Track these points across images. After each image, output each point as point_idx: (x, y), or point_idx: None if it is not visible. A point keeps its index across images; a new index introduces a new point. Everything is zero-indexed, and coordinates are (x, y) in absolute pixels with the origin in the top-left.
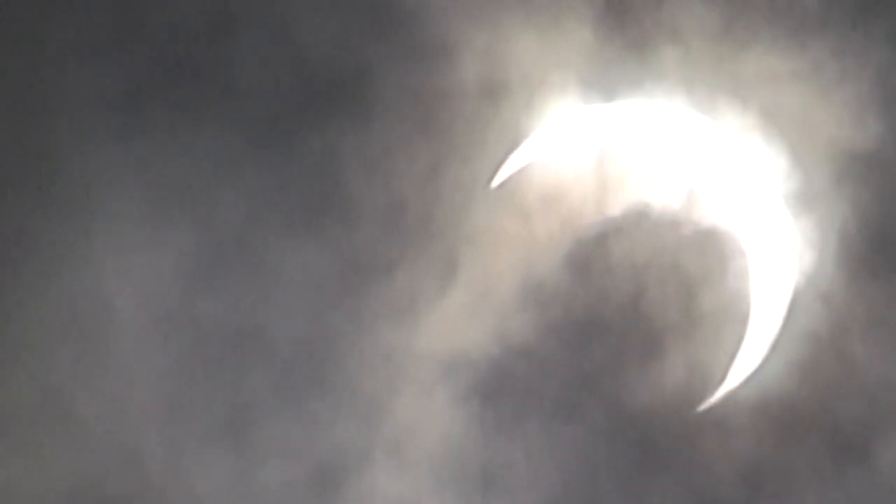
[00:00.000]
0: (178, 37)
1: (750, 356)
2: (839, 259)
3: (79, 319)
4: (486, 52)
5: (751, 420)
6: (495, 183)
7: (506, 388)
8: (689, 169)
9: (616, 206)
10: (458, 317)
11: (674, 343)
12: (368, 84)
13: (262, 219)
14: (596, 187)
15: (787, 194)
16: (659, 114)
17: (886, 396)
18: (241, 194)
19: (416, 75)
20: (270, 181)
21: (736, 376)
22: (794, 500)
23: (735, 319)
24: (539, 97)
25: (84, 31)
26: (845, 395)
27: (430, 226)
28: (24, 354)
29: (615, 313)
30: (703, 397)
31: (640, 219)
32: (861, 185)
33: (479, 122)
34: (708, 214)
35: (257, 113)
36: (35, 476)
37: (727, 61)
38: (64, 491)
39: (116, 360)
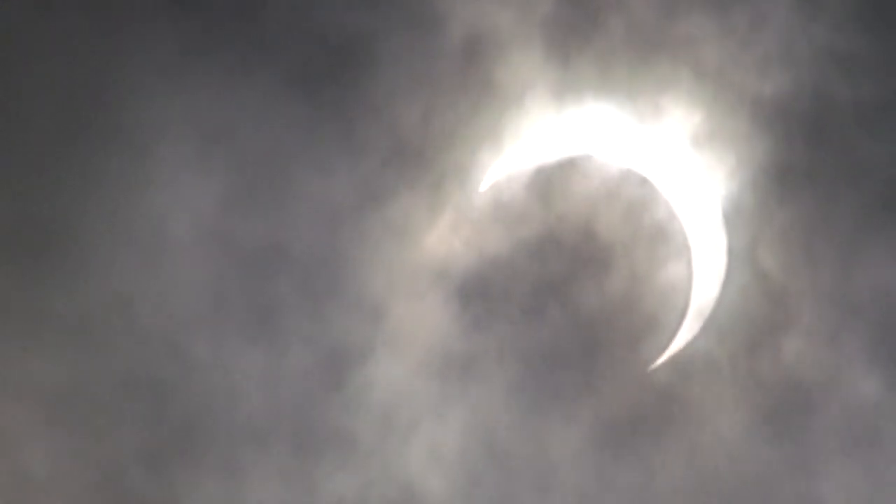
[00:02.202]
0: (222, 7)
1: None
2: (753, 188)
3: (138, 238)
4: (469, 21)
5: (681, 319)
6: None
7: (482, 293)
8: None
9: (571, 148)
10: (445, 234)
11: (619, 257)
12: (374, 46)
13: (288, 155)
14: (555, 131)
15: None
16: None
17: (789, 299)
18: (270, 135)
19: (413, 38)
20: (294, 124)
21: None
22: (715, 387)
23: (669, 237)
24: (510, 57)
25: (145, 1)
26: (756, 299)
27: (423, 160)
28: (93, 267)
29: (571, 232)
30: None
31: (590, 157)
32: (770, 127)
33: (463, 76)
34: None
35: (284, 69)
36: (101, 367)
37: (663, 25)
38: (125, 379)
39: (168, 270)
